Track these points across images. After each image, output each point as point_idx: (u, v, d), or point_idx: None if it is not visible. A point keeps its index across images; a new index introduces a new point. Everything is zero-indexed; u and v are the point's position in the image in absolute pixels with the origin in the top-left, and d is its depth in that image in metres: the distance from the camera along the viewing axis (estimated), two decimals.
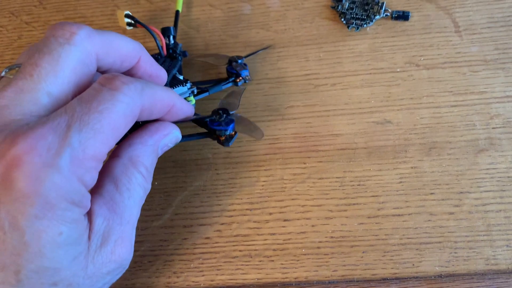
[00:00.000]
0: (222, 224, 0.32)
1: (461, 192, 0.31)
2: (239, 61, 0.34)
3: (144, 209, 0.31)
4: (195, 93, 0.32)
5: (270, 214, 0.32)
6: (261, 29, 0.37)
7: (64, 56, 0.22)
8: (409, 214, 0.31)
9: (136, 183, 0.24)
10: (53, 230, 0.20)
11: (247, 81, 0.34)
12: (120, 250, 0.23)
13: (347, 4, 0.36)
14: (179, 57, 0.33)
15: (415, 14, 0.36)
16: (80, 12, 0.39)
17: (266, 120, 0.34)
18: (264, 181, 0.32)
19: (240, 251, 0.31)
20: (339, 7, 0.37)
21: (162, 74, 0.28)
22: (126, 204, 0.24)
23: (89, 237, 0.22)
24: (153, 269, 0.31)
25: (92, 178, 0.22)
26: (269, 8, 0.38)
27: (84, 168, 0.21)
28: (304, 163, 0.33)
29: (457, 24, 0.35)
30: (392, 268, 0.30)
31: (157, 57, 0.33)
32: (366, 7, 0.36)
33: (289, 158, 0.33)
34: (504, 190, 0.31)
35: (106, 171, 0.24)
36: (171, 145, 0.27)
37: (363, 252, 0.30)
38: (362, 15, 0.36)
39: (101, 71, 0.25)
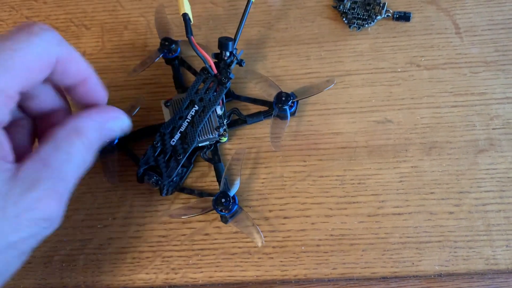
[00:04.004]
0: None
1: (461, 192, 0.31)
2: (290, 99, 0.33)
3: (142, 205, 0.30)
4: (227, 132, 0.32)
5: (270, 211, 0.31)
6: (262, 27, 0.37)
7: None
8: (409, 213, 0.31)
9: (76, 150, 0.25)
10: None
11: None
12: (48, 201, 0.23)
13: (349, 4, 0.37)
14: (228, 83, 0.32)
15: (416, 15, 0.36)
16: (81, 7, 0.39)
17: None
18: (264, 179, 0.32)
19: (239, 248, 0.31)
20: (341, 7, 0.37)
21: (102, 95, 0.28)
22: (63, 164, 0.24)
23: (14, 180, 0.23)
24: (151, 265, 0.31)
25: (2, 113, 0.23)
26: (270, 6, 0.38)
27: None
28: (305, 161, 0.33)
29: (458, 25, 0.36)
30: (391, 267, 0.29)
31: (206, 74, 0.32)
32: (367, 8, 0.36)
33: (289, 156, 0.33)
34: (503, 191, 0.31)
35: (48, 138, 0.25)
36: (117, 130, 0.27)
37: (362, 251, 0.30)
38: (363, 15, 0.36)
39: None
